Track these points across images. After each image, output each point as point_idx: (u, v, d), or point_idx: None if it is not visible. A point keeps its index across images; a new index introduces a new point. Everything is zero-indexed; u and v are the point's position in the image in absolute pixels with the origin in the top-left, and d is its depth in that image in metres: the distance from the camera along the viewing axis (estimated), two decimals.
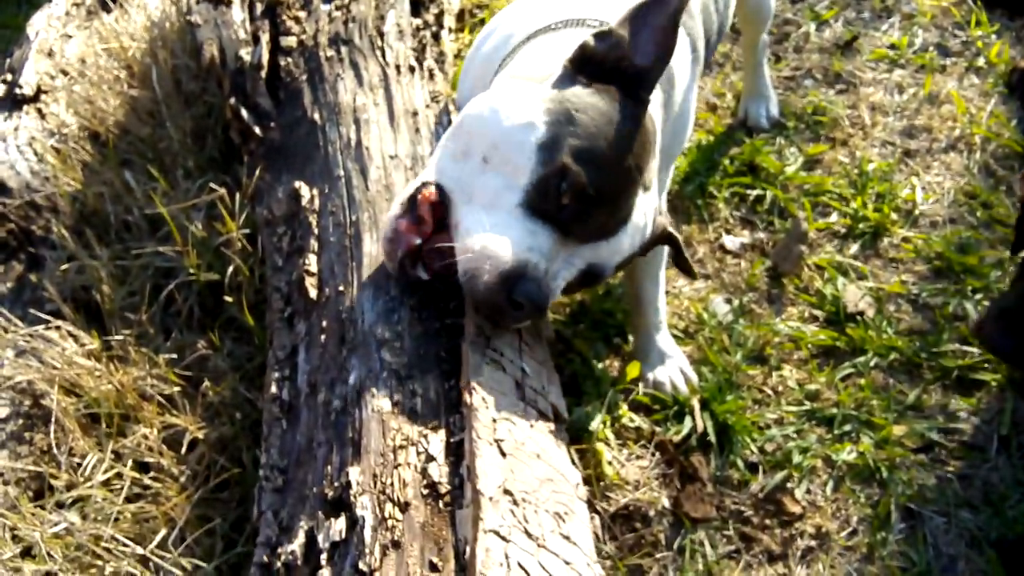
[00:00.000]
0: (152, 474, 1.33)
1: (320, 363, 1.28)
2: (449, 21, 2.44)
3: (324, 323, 1.31)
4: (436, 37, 2.26)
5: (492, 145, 1.21)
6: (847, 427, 1.79)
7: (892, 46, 2.60)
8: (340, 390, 1.21)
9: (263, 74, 1.75)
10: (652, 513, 1.66)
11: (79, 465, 1.32)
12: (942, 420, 1.79)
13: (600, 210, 1.21)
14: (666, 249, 1.70)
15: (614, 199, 1.22)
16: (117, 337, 1.53)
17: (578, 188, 1.16)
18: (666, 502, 1.68)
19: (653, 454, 1.74)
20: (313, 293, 1.37)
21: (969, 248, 2.07)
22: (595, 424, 1.73)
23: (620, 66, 1.25)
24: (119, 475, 1.31)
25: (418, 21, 2.17)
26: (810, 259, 2.10)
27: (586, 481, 1.70)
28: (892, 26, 2.67)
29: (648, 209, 1.31)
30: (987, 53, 2.52)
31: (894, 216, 2.17)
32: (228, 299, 1.58)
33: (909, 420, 1.79)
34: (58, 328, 1.54)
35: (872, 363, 1.89)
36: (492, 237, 1.15)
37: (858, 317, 1.97)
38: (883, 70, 2.54)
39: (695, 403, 1.82)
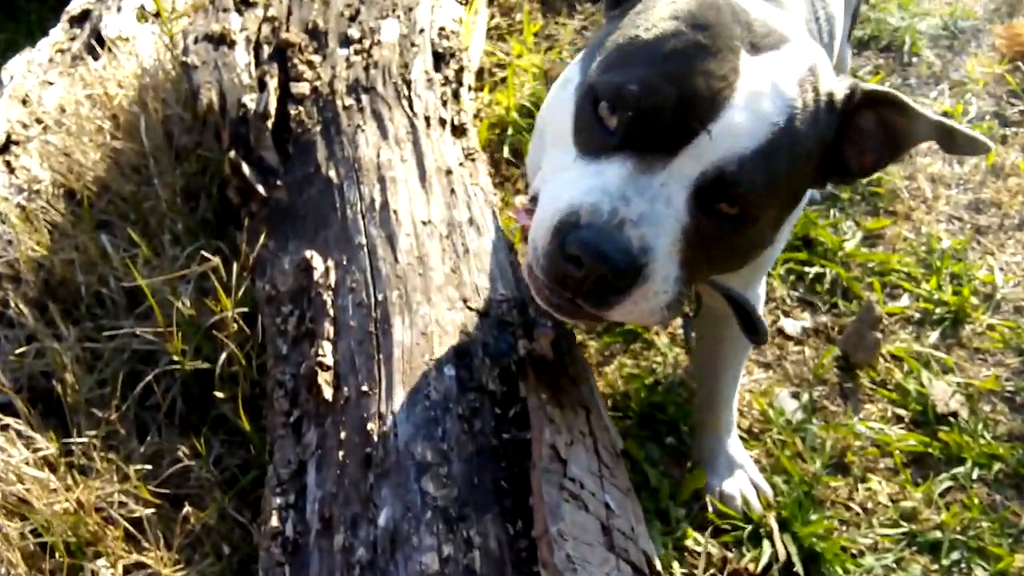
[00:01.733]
0: None
1: (337, 490, 0.96)
2: (468, 79, 2.21)
3: (343, 434, 1.01)
4: (456, 95, 2.02)
5: (548, 122, 1.05)
6: (955, 555, 1.48)
7: (945, 114, 2.39)
8: (366, 533, 0.90)
9: (270, 124, 1.48)
10: None
11: None
12: None
13: (664, 104, 0.87)
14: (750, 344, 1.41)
15: (679, 81, 0.87)
16: (80, 440, 1.21)
17: (613, 94, 0.88)
18: None
19: None
20: (328, 392, 1.06)
21: None
22: (655, 544, 1.42)
23: None
24: None
25: (439, 76, 1.93)
26: (884, 348, 1.83)
27: None
28: (942, 93, 2.47)
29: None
30: None
31: (974, 300, 1.91)
32: (219, 394, 1.27)
33: None
34: (5, 428, 1.22)
35: (973, 475, 1.60)
36: (552, 196, 0.91)
37: (950, 419, 1.69)
38: None
39: (773, 523, 1.51)
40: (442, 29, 2.08)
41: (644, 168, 0.87)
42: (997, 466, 1.60)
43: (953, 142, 0.97)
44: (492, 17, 2.74)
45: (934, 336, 1.84)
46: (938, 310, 1.88)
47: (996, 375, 1.75)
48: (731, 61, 0.88)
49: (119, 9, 2.25)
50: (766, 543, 1.47)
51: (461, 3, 2.43)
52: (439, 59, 1.99)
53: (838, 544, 1.48)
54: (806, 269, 1.99)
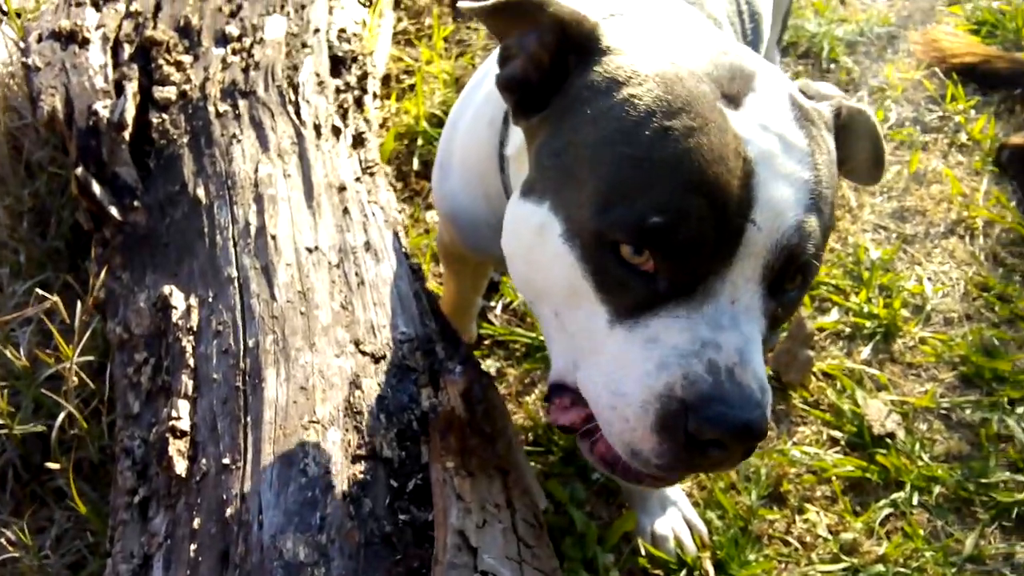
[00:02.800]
0: None
1: None
2: (373, 85, 2.00)
3: (196, 521, 0.80)
4: (359, 103, 1.81)
5: (538, 289, 0.81)
6: None
7: None
8: None
9: (127, 135, 1.24)
10: None
11: None
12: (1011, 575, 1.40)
13: (702, 221, 0.71)
14: None
15: (699, 185, 0.71)
16: None
17: (636, 235, 0.71)
18: None
19: None
20: (181, 466, 0.85)
21: (996, 351, 1.74)
22: None
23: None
24: None
25: (338, 82, 1.72)
26: (816, 365, 1.72)
27: None
28: (861, 100, 2.41)
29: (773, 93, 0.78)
30: (969, 129, 2.28)
31: (904, 312, 1.83)
32: (52, 465, 1.03)
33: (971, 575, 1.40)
34: None
35: (913, 500, 1.50)
36: (613, 382, 0.73)
37: (887, 440, 1.59)
38: None
39: (708, 566, 1.38)
40: (342, 31, 1.87)
41: (704, 296, 0.73)
42: (937, 489, 1.51)
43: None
44: (399, 20, 2.54)
45: (866, 351, 1.75)
46: (869, 324, 1.79)
47: (931, 392, 1.67)
48: (726, 130, 0.72)
49: None
50: None
51: (364, 5, 2.22)
52: (339, 63, 1.79)
53: None
54: None
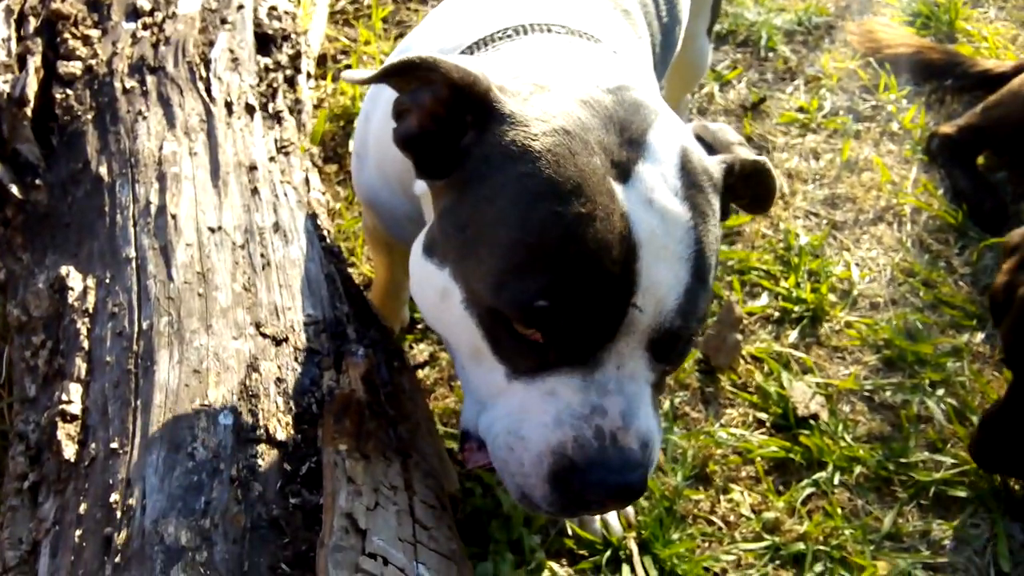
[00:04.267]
0: None
1: None
2: (307, 65, 1.96)
3: (83, 507, 0.77)
4: (291, 82, 1.77)
5: (446, 339, 0.87)
6: (819, 567, 1.40)
7: (801, 109, 2.37)
8: None
9: (29, 111, 1.20)
10: None
11: None
12: (926, 552, 1.44)
13: (584, 306, 0.75)
14: None
15: (584, 272, 0.75)
16: None
17: (524, 315, 0.75)
18: None
19: None
20: (70, 451, 0.82)
21: (919, 335, 1.78)
22: None
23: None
24: None
25: (267, 60, 1.68)
26: (745, 348, 1.75)
27: None
28: (798, 88, 2.45)
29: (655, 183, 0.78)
30: (900, 118, 2.32)
31: (831, 297, 1.86)
32: None
33: (888, 554, 1.43)
34: None
35: (835, 480, 1.53)
36: (514, 426, 0.80)
37: (811, 421, 1.62)
38: (795, 134, 2.29)
39: (633, 546, 1.39)
40: (273, 9, 1.83)
41: (594, 365, 0.79)
42: (858, 469, 1.54)
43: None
44: (336, 0, 2.50)
45: (793, 335, 1.78)
46: (797, 308, 1.82)
47: (855, 374, 1.70)
48: (612, 212, 0.74)
49: None
50: (626, 568, 1.35)
51: None
52: (268, 42, 1.75)
53: (700, 564, 1.37)
54: None
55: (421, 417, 0.95)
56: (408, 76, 0.79)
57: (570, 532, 1.40)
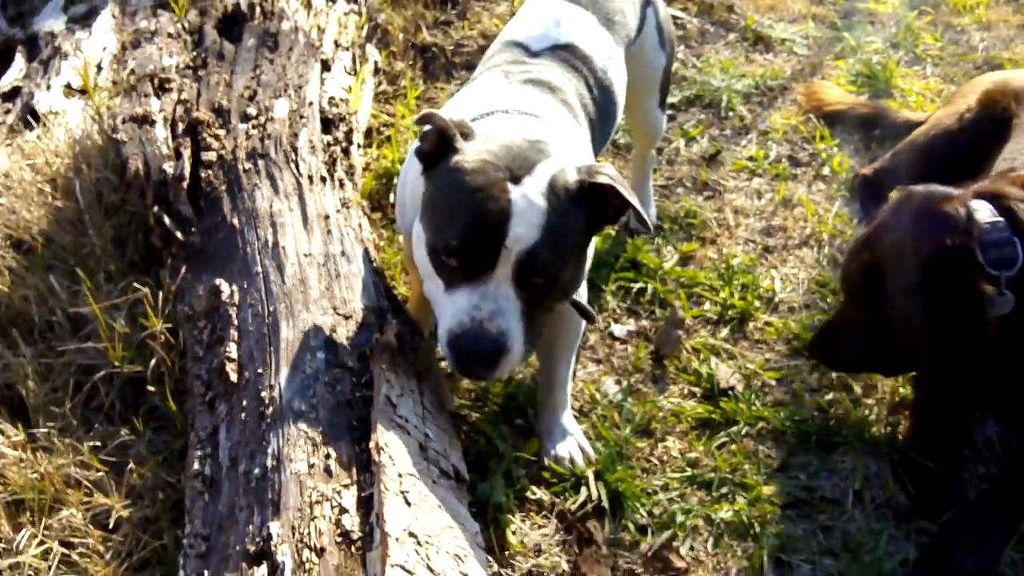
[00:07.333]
0: (80, 550, 1.43)
1: (241, 438, 1.44)
2: (357, 138, 2.74)
3: (244, 403, 1.48)
4: (346, 152, 2.54)
5: (422, 270, 1.58)
6: (724, 489, 2.03)
7: (751, 158, 3.04)
8: (260, 459, 1.37)
9: (185, 185, 1.96)
10: None
11: (6, 550, 1.41)
12: (805, 479, 2.06)
13: (477, 246, 1.44)
14: (581, 333, 2.01)
15: (480, 228, 1.43)
16: (42, 429, 1.64)
17: (446, 250, 1.44)
18: (565, 566, 1.86)
19: (554, 522, 1.93)
20: (233, 377, 1.54)
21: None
22: (499, 496, 1.92)
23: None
24: (48, 552, 1.40)
25: (328, 138, 2.45)
26: (688, 343, 2.40)
27: (491, 550, 1.87)
28: (750, 141, 3.12)
29: (530, 193, 1.47)
30: (831, 163, 2.98)
31: (757, 304, 2.51)
32: (151, 388, 1.72)
33: (777, 480, 2.05)
34: None
35: (743, 432, 2.16)
36: (441, 318, 1.51)
37: (730, 392, 2.26)
38: (744, 179, 2.97)
39: (590, 475, 2.03)
40: (332, 98, 2.61)
41: (480, 283, 1.47)
42: (761, 424, 2.17)
43: (636, 215, 1.61)
44: (379, 84, 3.29)
45: (725, 332, 2.43)
46: (729, 312, 2.47)
47: (767, 358, 2.34)
48: (504, 198, 1.48)
49: (48, 87, 2.71)
50: (584, 489, 1.99)
51: (350, 74, 2.97)
52: (329, 124, 2.52)
53: (638, 487, 2.01)
54: (633, 285, 2.56)
55: (431, 363, 1.64)
56: (423, 121, 1.58)
57: (547, 465, 2.05)
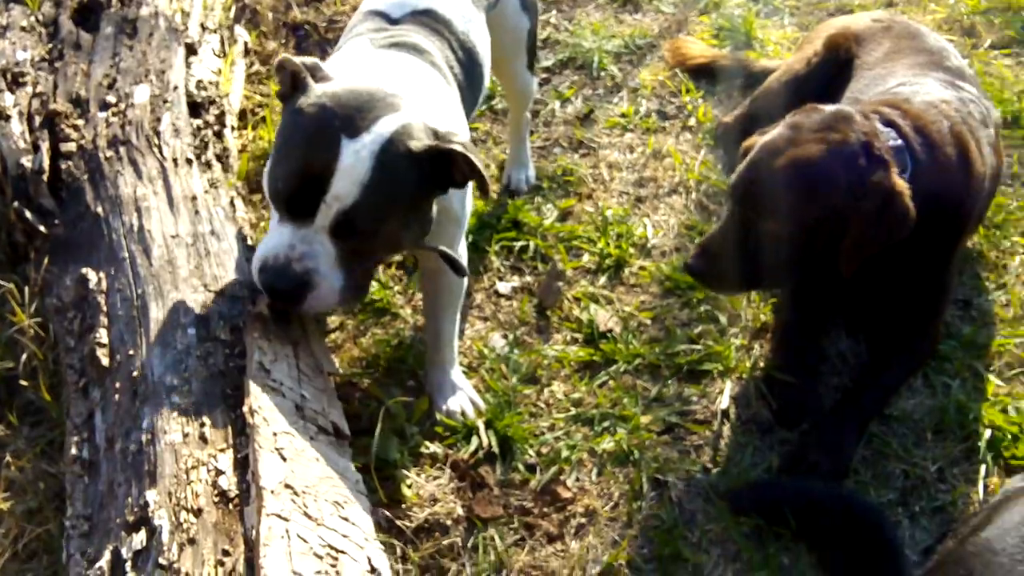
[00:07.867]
0: None
1: (116, 419, 1.46)
2: (231, 120, 2.72)
3: (117, 384, 1.51)
4: (219, 135, 2.53)
5: (271, 202, 1.66)
6: (605, 423, 2.17)
7: (622, 115, 3.16)
8: (135, 436, 1.41)
9: (45, 177, 1.94)
10: (449, 522, 1.93)
11: None
12: (679, 406, 2.21)
13: (298, 192, 1.52)
14: (463, 291, 2.10)
15: (304, 176, 1.51)
16: None
17: (274, 189, 1.55)
18: (460, 511, 1.95)
19: (448, 472, 2.02)
20: (105, 361, 1.56)
21: None
22: (393, 454, 2.00)
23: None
24: None
25: (198, 121, 2.43)
26: (568, 293, 2.51)
27: (387, 505, 1.94)
28: (622, 99, 3.24)
29: (360, 151, 1.52)
30: (696, 114, 3.13)
31: (632, 251, 2.64)
32: (24, 383, 1.72)
33: (653, 410, 2.20)
34: None
35: (622, 370, 2.30)
36: (261, 245, 1.61)
37: (609, 335, 2.39)
38: (616, 135, 3.09)
39: (480, 424, 2.13)
40: (200, 82, 2.59)
41: (300, 225, 1.55)
42: (638, 361, 2.31)
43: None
44: (251, 65, 3.26)
45: (603, 280, 2.55)
46: (606, 261, 2.60)
47: (642, 300, 2.48)
48: (333, 151, 1.53)
49: None
50: (475, 438, 2.09)
51: (219, 57, 2.93)
52: (199, 107, 2.50)
53: (526, 430, 2.12)
54: (515, 244, 2.65)
55: (309, 331, 1.69)
56: (279, 68, 1.66)
57: (439, 420, 2.13)
